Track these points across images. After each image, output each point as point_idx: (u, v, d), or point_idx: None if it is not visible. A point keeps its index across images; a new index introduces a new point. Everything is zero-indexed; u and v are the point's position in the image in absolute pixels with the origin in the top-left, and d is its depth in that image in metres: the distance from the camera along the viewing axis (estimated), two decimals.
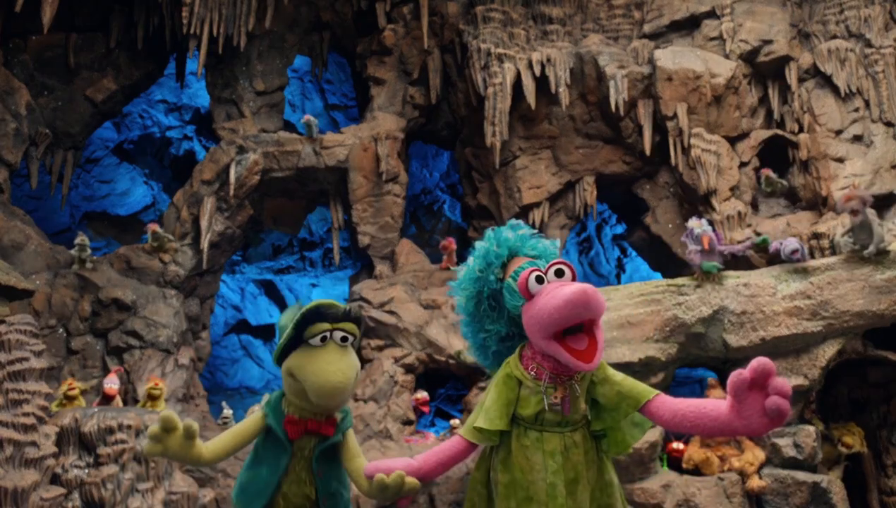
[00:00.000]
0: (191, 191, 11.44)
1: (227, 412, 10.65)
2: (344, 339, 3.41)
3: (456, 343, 10.71)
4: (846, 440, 8.21)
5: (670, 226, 11.54)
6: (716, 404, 2.64)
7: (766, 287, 7.90)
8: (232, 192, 11.26)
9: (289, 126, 13.81)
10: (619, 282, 14.65)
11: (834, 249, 9.49)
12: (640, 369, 7.84)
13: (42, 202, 13.32)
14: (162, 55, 12.43)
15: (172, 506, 7.81)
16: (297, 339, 3.39)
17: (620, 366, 7.76)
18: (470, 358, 9.24)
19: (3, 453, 6.59)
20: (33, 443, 6.81)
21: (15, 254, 10.69)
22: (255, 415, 3.56)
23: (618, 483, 3.06)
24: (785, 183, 10.72)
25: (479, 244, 3.35)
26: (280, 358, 3.49)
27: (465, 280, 3.34)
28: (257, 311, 14.85)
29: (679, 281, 8.19)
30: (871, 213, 7.82)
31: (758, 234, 9.98)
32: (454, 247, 11.76)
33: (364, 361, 11.04)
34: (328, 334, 3.37)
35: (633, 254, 13.85)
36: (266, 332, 14.98)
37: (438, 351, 10.74)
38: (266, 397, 3.62)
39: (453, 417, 12.33)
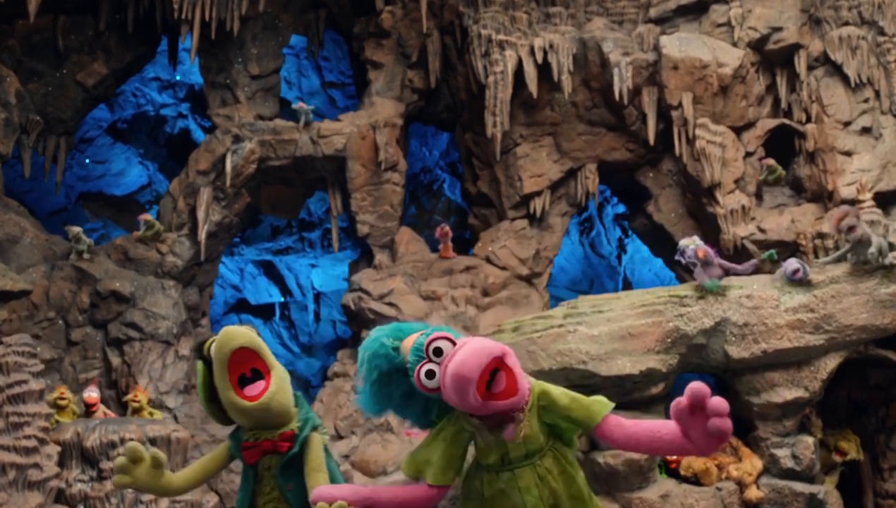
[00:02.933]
0: (186, 180, 11.28)
1: None
2: None
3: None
4: (841, 446, 8.25)
5: (673, 215, 11.41)
6: (668, 426, 2.69)
7: (769, 299, 7.82)
8: (228, 182, 11.09)
9: (285, 105, 13.52)
10: (619, 263, 14.59)
11: (838, 248, 9.39)
12: (640, 380, 7.84)
13: (37, 183, 13.11)
14: (153, 37, 12.08)
15: None
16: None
17: (621, 378, 7.78)
18: None
19: (6, 477, 6.64)
20: (36, 465, 6.85)
21: (11, 247, 10.58)
22: (221, 445, 3.63)
23: (593, 497, 3.12)
24: (783, 172, 10.55)
25: (362, 353, 3.30)
26: (208, 398, 3.52)
27: (366, 389, 3.31)
28: (257, 291, 14.82)
29: (681, 291, 8.11)
30: (866, 225, 7.67)
31: (761, 233, 9.88)
32: (450, 233, 11.67)
33: None
34: None
35: (635, 234, 13.74)
36: (266, 311, 14.98)
37: None
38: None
39: None
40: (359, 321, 11.20)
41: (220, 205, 11.29)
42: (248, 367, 3.34)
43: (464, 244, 12.72)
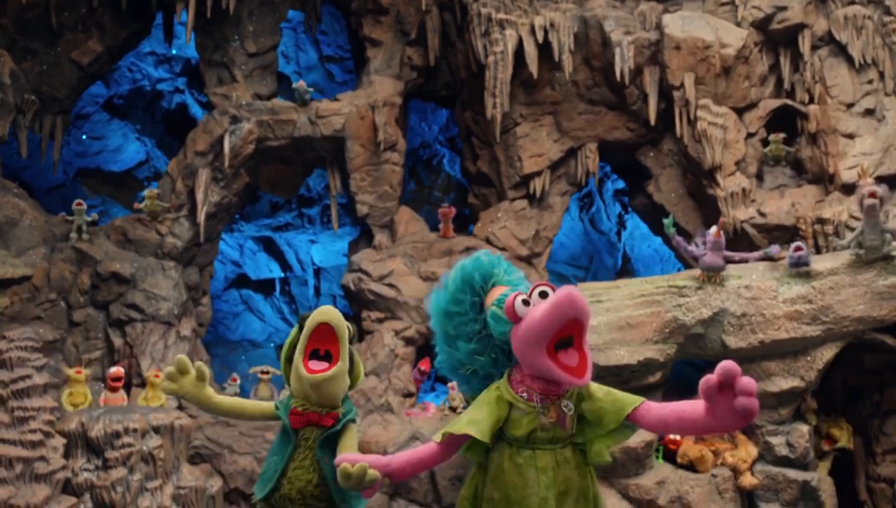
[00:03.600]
0: (185, 162, 11.21)
1: (233, 389, 10.76)
2: None
3: None
4: (833, 433, 8.38)
5: (673, 195, 11.38)
6: (694, 406, 2.78)
7: (767, 290, 7.86)
8: (227, 163, 11.04)
9: (282, 79, 13.37)
10: (619, 239, 14.59)
11: (838, 234, 9.39)
12: (638, 369, 7.91)
13: (34, 159, 13.05)
14: (148, 13, 11.88)
15: (181, 500, 8.05)
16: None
17: (619, 368, 7.85)
18: None
19: (14, 471, 6.73)
20: (42, 458, 6.95)
21: (10, 230, 10.57)
22: (268, 403, 4.05)
23: (600, 495, 3.25)
24: (789, 150, 10.53)
25: (453, 273, 3.43)
26: (287, 356, 3.86)
27: (440, 310, 3.40)
28: (257, 266, 14.84)
29: (680, 281, 8.14)
30: (888, 215, 7.66)
31: (761, 217, 9.87)
32: (453, 213, 11.68)
33: (364, 333, 11.12)
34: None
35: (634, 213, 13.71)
36: (266, 287, 15.03)
37: None
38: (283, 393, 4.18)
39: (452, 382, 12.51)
40: (359, 301, 11.25)
41: (219, 186, 11.24)
42: (324, 346, 3.70)
43: (463, 220, 12.72)
